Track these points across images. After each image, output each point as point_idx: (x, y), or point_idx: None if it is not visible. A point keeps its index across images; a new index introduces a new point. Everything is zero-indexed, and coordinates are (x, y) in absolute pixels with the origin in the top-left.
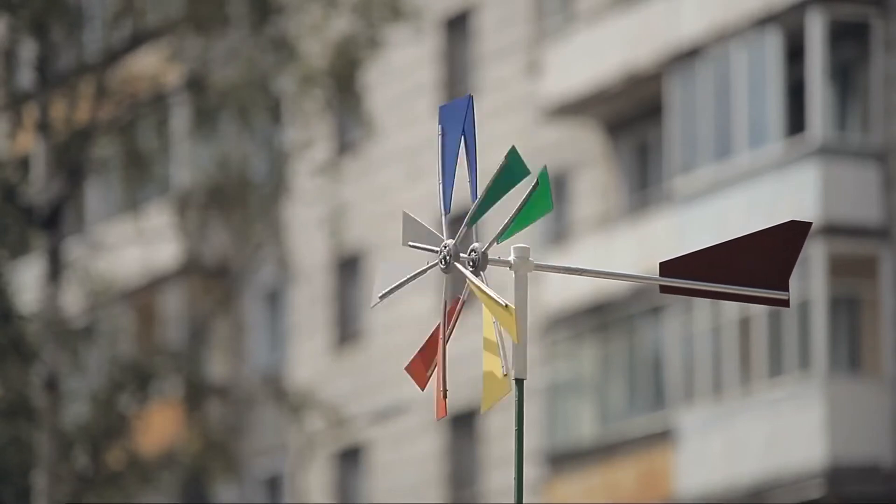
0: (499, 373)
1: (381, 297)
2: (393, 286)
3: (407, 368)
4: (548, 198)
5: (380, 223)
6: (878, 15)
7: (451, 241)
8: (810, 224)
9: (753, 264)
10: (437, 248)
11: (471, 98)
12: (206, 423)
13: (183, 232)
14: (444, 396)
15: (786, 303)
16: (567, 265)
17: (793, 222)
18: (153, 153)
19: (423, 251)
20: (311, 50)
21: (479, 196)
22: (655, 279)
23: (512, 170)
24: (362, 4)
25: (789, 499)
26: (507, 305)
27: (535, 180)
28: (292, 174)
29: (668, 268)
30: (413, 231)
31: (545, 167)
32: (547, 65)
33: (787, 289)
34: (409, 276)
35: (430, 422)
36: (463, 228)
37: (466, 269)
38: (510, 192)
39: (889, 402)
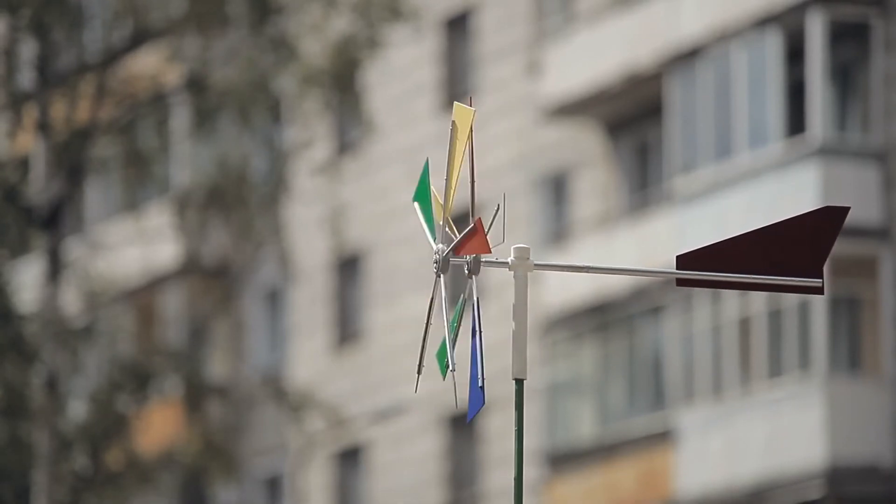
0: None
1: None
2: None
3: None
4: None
5: (380, 223)
6: (878, 15)
7: (442, 247)
8: (847, 209)
9: (782, 252)
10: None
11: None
12: (206, 423)
13: (183, 232)
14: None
15: (820, 290)
16: (570, 263)
17: (828, 208)
18: (153, 153)
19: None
20: (311, 50)
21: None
22: (672, 272)
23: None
24: (362, 4)
25: (789, 499)
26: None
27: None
28: (292, 174)
29: (685, 260)
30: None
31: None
32: (547, 65)
33: (821, 276)
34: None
35: (430, 422)
36: (443, 221)
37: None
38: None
39: (889, 402)
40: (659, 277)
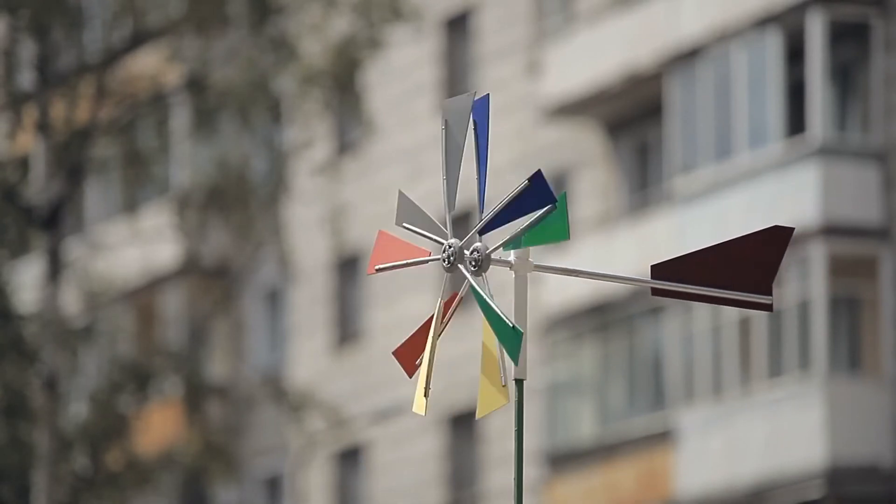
0: (497, 381)
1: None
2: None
3: (395, 353)
4: (564, 225)
5: (380, 223)
6: (878, 15)
7: (455, 241)
8: (792, 229)
9: (739, 268)
10: (432, 236)
11: (486, 96)
12: (205, 423)
13: (182, 232)
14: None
15: (769, 307)
16: (564, 266)
17: (776, 227)
18: (153, 153)
19: (419, 236)
20: (311, 50)
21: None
22: (647, 281)
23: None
24: (362, 4)
25: (789, 499)
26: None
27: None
28: (292, 174)
29: (659, 270)
30: (408, 212)
31: (564, 193)
32: (547, 65)
33: (770, 293)
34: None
35: (430, 422)
36: (474, 234)
37: (469, 270)
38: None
39: (889, 402)
40: (634, 284)
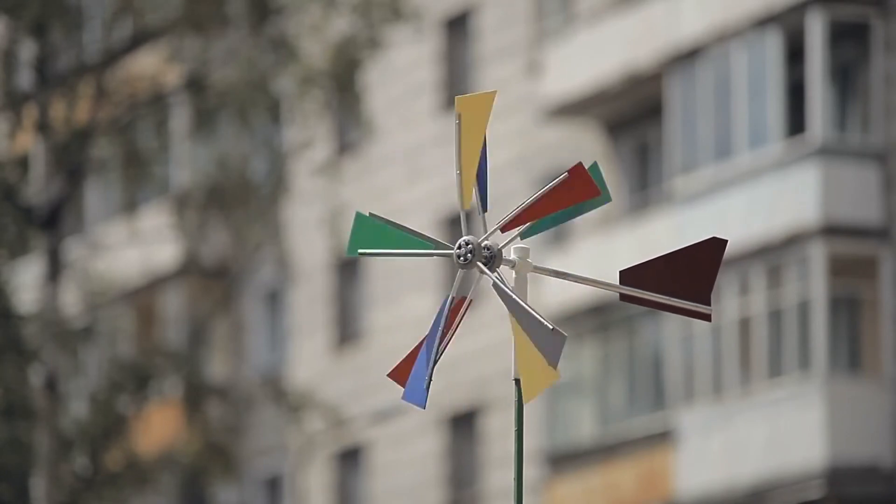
0: (540, 363)
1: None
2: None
3: (391, 375)
4: (605, 189)
5: None
6: (878, 15)
7: (472, 238)
8: (726, 241)
9: (686, 278)
10: (437, 239)
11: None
12: (205, 424)
13: (182, 232)
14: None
15: (708, 317)
16: (556, 269)
17: (713, 239)
18: (152, 153)
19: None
20: (311, 50)
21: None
22: (616, 287)
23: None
24: (362, 4)
25: (789, 499)
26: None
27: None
28: (292, 174)
29: (625, 276)
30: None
31: (596, 163)
32: (547, 65)
33: (709, 303)
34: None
35: (430, 422)
36: (517, 237)
37: (480, 268)
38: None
39: (889, 402)
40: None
